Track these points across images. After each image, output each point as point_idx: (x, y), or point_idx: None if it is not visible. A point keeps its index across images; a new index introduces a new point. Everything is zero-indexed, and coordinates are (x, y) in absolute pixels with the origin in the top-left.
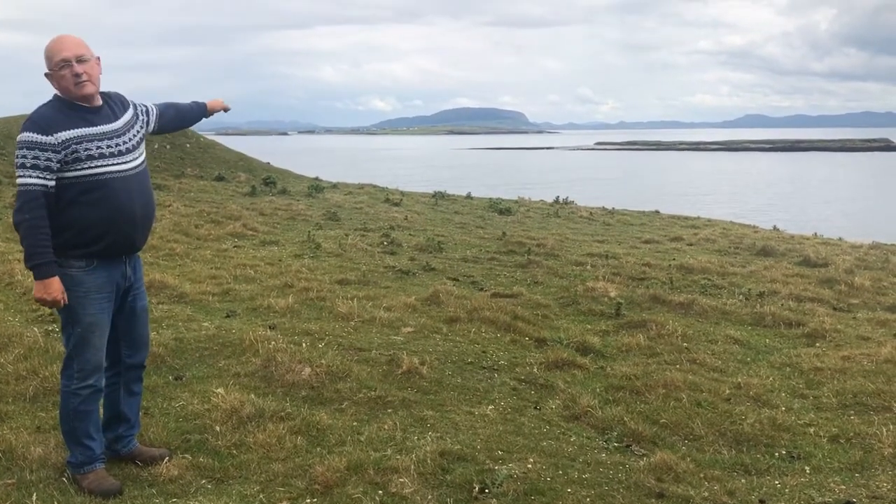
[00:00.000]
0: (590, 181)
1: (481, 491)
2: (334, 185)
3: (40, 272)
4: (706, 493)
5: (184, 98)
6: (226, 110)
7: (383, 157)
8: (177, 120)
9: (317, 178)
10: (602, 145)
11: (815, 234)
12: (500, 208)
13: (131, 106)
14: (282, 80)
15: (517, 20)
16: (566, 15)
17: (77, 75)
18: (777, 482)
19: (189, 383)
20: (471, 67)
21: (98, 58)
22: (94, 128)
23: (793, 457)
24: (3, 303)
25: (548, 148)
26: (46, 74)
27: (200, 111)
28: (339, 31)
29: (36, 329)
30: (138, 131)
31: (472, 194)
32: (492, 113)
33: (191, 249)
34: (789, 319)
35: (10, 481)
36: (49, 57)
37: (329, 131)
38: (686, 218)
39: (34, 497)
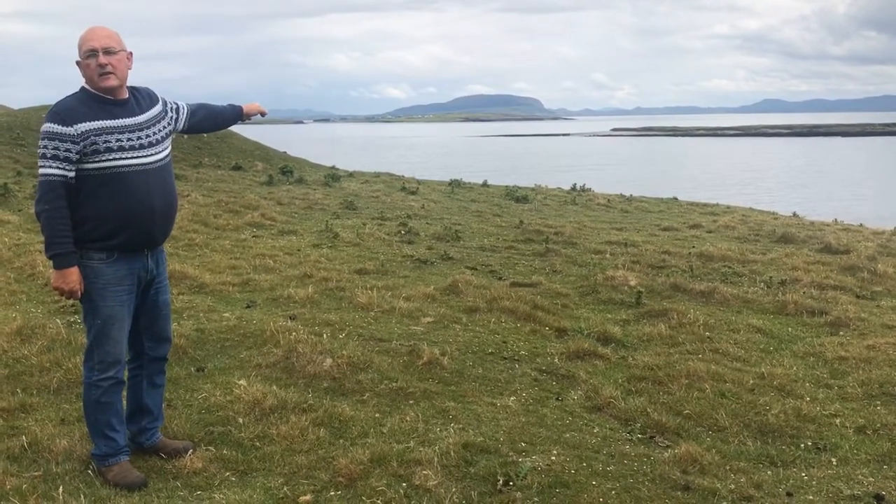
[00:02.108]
0: (607, 168)
1: (505, 483)
2: (350, 174)
3: (59, 262)
4: (732, 486)
5: (199, 89)
6: (263, 114)
7: (399, 144)
8: (209, 120)
9: (333, 167)
10: (618, 131)
11: (836, 220)
12: (516, 196)
13: (160, 102)
14: (295, 69)
15: (529, 5)
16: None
17: (101, 66)
18: (804, 474)
19: (211, 375)
20: (485, 54)
21: (130, 53)
22: (116, 120)
23: (819, 448)
24: (25, 294)
25: (564, 134)
26: (77, 62)
27: (236, 114)
28: (351, 18)
29: (59, 320)
30: (164, 127)
31: (489, 182)
32: (507, 99)
33: (210, 239)
34: (812, 308)
35: (36, 473)
36: (79, 45)
37: (344, 119)
38: (705, 204)
39: (60, 490)
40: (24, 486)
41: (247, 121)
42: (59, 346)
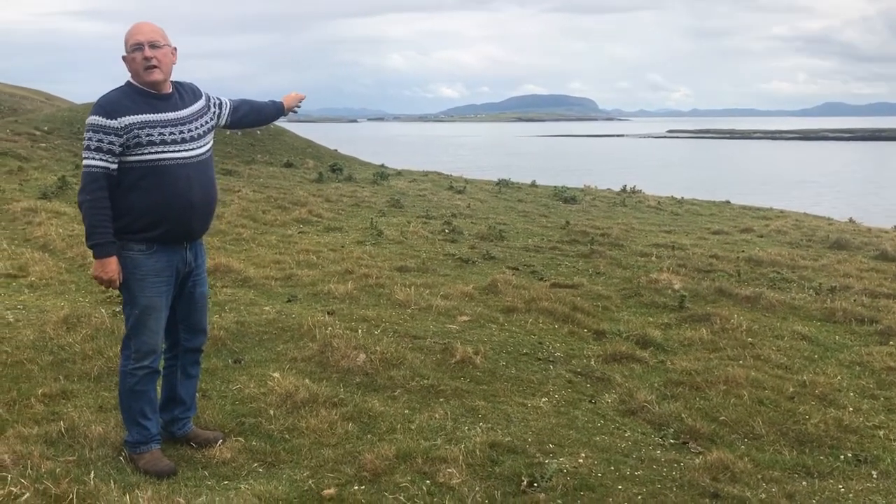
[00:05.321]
0: (660, 169)
1: (530, 484)
2: (399, 173)
3: (99, 251)
4: (763, 495)
5: (255, 87)
6: (299, 106)
7: (449, 144)
8: (251, 116)
9: (382, 166)
10: (674, 133)
11: (895, 226)
12: (564, 196)
13: (204, 97)
14: (351, 68)
15: (584, 6)
16: (634, 0)
17: (147, 59)
18: (841, 486)
19: (247, 367)
20: (539, 54)
21: (174, 48)
22: (159, 114)
23: (859, 460)
24: (74, 283)
25: (618, 136)
26: (123, 57)
27: (278, 110)
28: (406, 18)
29: (104, 310)
30: (207, 122)
31: (537, 182)
32: (561, 100)
33: (257, 234)
34: (862, 315)
35: (70, 458)
36: (126, 39)
37: (398, 118)
38: (758, 208)
39: (92, 475)
40: (58, 469)
41: (288, 113)
42: (102, 335)
